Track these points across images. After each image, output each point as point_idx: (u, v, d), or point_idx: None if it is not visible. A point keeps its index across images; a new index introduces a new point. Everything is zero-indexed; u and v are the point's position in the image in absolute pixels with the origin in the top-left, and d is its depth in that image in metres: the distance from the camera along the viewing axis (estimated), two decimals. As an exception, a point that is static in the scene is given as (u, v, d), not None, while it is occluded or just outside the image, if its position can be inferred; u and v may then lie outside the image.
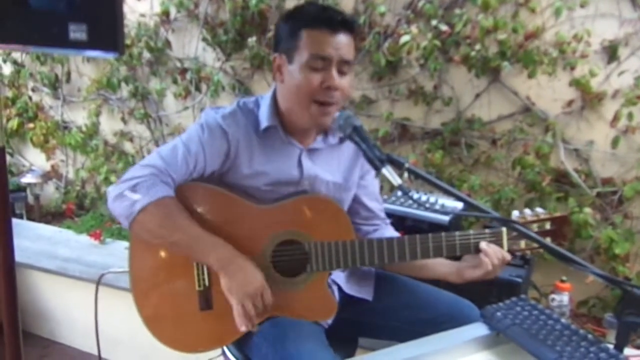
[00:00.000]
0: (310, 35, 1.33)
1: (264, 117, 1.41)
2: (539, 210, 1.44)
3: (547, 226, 1.41)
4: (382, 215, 1.63)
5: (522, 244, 1.42)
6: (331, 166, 1.49)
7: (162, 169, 1.34)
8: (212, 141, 1.38)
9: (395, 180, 1.12)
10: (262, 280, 1.31)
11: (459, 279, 1.43)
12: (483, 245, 1.38)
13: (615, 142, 2.30)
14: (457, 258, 1.44)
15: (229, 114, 1.42)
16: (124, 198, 1.30)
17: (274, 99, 1.44)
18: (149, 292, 1.42)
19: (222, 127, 1.39)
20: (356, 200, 1.57)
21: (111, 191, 1.34)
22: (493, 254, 1.36)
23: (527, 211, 1.44)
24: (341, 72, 1.35)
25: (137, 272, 1.42)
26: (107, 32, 0.75)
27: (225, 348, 1.52)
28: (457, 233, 1.39)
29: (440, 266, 1.48)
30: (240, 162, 1.40)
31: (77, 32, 0.72)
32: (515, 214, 1.44)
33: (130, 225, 1.31)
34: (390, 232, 1.61)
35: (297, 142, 1.45)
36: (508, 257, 1.39)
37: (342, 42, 1.34)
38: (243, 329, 1.30)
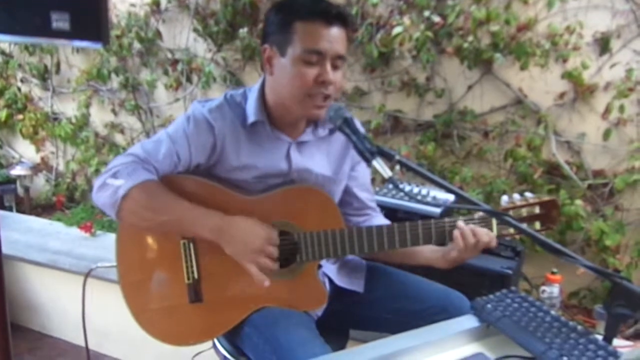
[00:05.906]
0: (304, 29, 1.30)
1: (251, 112, 1.39)
2: (528, 194, 1.43)
3: (537, 210, 1.40)
4: (373, 204, 1.62)
5: (512, 229, 1.40)
6: (320, 159, 1.48)
7: (144, 157, 1.33)
8: (197, 134, 1.36)
9: (386, 172, 1.11)
10: (261, 231, 1.29)
11: (445, 263, 1.41)
12: (460, 223, 1.35)
13: (606, 135, 2.31)
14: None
15: (215, 107, 1.40)
16: (106, 187, 1.29)
17: (262, 91, 1.42)
18: (138, 285, 1.41)
19: (209, 121, 1.37)
20: (348, 192, 1.56)
21: (95, 184, 1.33)
22: (469, 233, 1.33)
23: (516, 196, 1.42)
24: (334, 66, 1.33)
25: (125, 266, 1.41)
26: (90, 21, 0.73)
27: (215, 340, 1.52)
28: (446, 219, 1.38)
29: (428, 252, 1.47)
30: (227, 155, 1.39)
31: (59, 21, 0.71)
32: (504, 199, 1.42)
33: (117, 213, 1.29)
34: (380, 220, 1.60)
35: (285, 135, 1.43)
36: (484, 239, 1.34)
37: (337, 36, 1.31)
38: (266, 284, 1.28)
